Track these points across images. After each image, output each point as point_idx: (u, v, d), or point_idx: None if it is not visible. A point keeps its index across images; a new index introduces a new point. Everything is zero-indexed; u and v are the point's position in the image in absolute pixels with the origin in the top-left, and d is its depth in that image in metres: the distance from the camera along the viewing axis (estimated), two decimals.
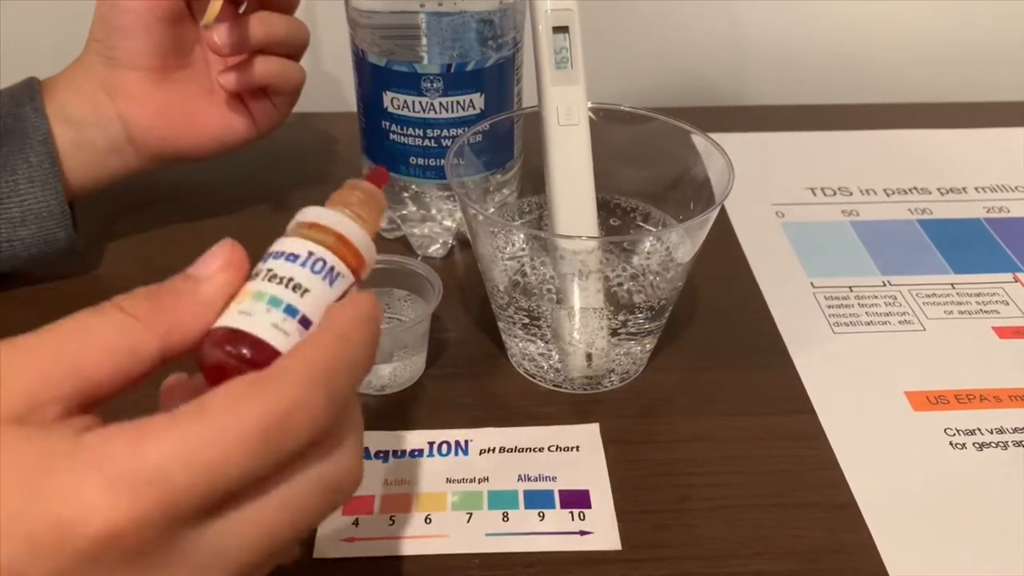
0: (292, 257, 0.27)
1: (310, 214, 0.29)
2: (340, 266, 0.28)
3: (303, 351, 0.26)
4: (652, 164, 0.48)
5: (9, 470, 0.24)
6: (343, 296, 0.28)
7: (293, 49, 0.52)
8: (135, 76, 0.50)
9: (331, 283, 0.27)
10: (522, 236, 0.47)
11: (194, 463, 0.23)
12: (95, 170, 0.50)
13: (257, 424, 0.24)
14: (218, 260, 0.27)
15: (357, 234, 0.29)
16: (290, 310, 0.26)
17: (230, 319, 0.26)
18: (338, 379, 0.26)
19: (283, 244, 0.28)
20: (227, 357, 0.26)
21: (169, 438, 0.24)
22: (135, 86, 0.50)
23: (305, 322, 0.26)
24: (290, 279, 0.27)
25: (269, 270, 0.27)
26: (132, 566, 0.23)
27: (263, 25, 0.50)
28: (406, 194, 0.53)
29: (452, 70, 0.49)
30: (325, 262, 0.27)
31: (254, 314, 0.26)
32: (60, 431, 0.24)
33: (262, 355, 0.26)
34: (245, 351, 0.26)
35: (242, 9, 0.51)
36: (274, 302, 0.26)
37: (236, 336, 0.26)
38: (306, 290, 0.27)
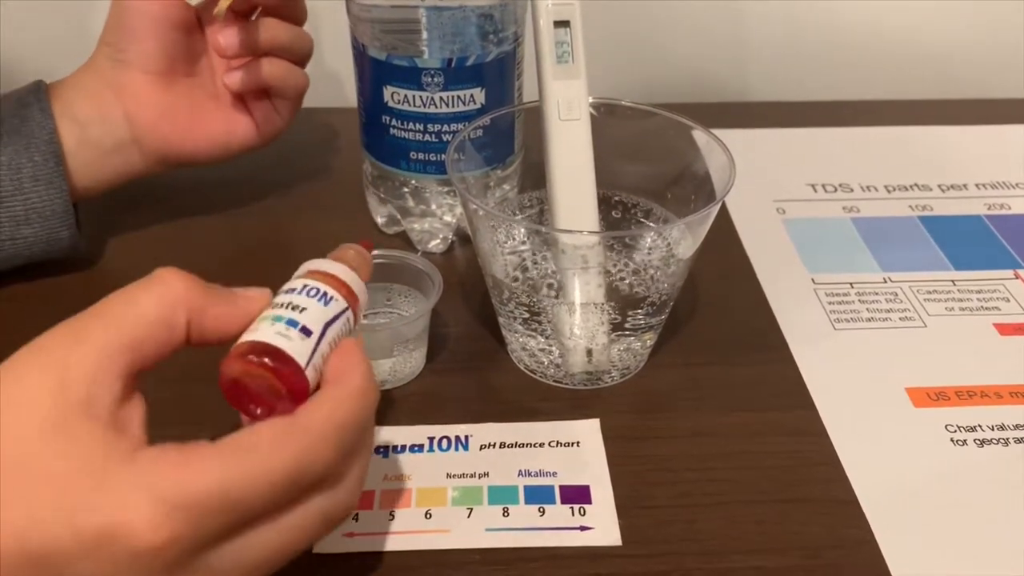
0: (290, 290, 0.33)
1: (309, 264, 0.35)
2: (332, 292, 0.33)
3: (327, 409, 0.30)
4: (653, 160, 0.48)
5: (74, 460, 0.27)
6: (339, 317, 0.33)
7: (296, 57, 0.53)
8: (143, 78, 0.50)
9: (325, 304, 0.33)
10: (523, 231, 0.47)
11: (229, 499, 0.28)
12: (99, 170, 0.50)
13: (284, 470, 0.29)
14: (254, 292, 0.33)
15: (348, 274, 0.34)
16: (291, 322, 0.32)
17: (245, 336, 0.32)
18: (350, 433, 0.31)
19: (285, 286, 0.34)
20: (246, 362, 0.31)
21: (212, 472, 0.28)
22: (142, 87, 0.50)
23: (305, 331, 0.32)
24: (289, 303, 0.32)
25: (274, 303, 0.33)
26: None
27: (267, 31, 0.51)
28: (406, 189, 0.53)
29: (453, 65, 0.49)
30: (318, 289, 0.33)
31: (260, 330, 0.32)
32: (121, 440, 0.28)
33: (271, 354, 0.31)
34: (261, 354, 0.31)
35: (255, 16, 0.51)
36: (277, 319, 0.32)
37: (254, 345, 0.31)
38: (303, 309, 0.32)
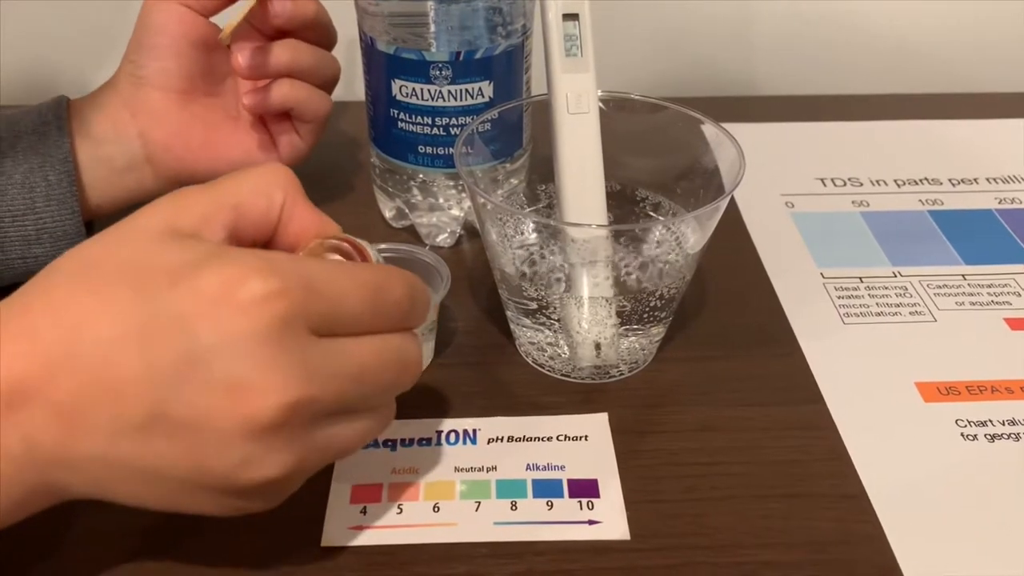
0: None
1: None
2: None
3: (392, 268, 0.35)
4: (662, 153, 0.48)
5: (188, 254, 0.30)
6: None
7: (320, 80, 0.52)
8: (159, 95, 0.50)
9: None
10: (531, 224, 0.47)
11: (328, 285, 0.31)
12: (112, 188, 0.50)
13: (368, 280, 0.32)
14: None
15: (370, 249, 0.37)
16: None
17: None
18: (414, 280, 0.34)
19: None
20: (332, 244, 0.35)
21: (313, 262, 0.32)
22: (158, 105, 0.50)
23: None
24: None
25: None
26: (272, 339, 0.29)
27: (289, 52, 0.50)
28: (413, 183, 0.53)
29: (461, 58, 0.48)
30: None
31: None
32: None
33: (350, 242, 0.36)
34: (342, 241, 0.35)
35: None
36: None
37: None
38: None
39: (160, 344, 0.29)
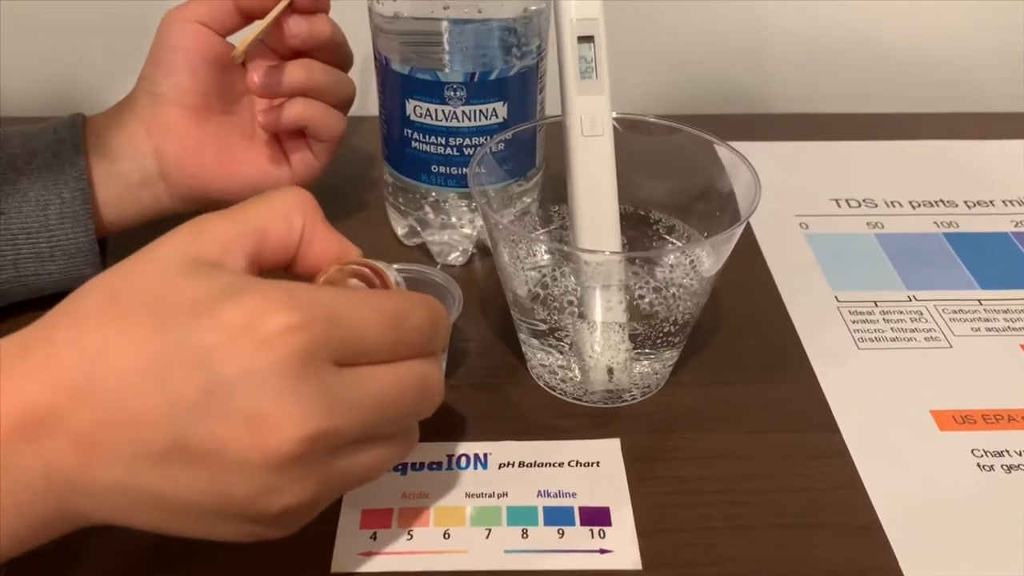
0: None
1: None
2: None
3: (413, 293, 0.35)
4: (677, 175, 0.48)
5: (211, 285, 0.30)
6: None
7: (335, 100, 0.52)
8: (174, 112, 0.50)
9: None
10: (544, 246, 0.47)
11: (347, 314, 0.31)
12: (126, 204, 0.50)
13: (389, 308, 0.32)
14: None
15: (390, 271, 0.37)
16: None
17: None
18: (435, 305, 0.34)
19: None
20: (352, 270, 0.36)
21: (331, 291, 0.32)
22: (173, 121, 0.50)
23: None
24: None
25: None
26: (293, 371, 0.29)
27: (304, 71, 0.50)
28: (426, 202, 0.53)
29: (476, 79, 0.48)
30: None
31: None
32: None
33: (370, 267, 0.36)
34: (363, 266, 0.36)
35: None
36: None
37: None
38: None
39: (181, 376, 0.29)
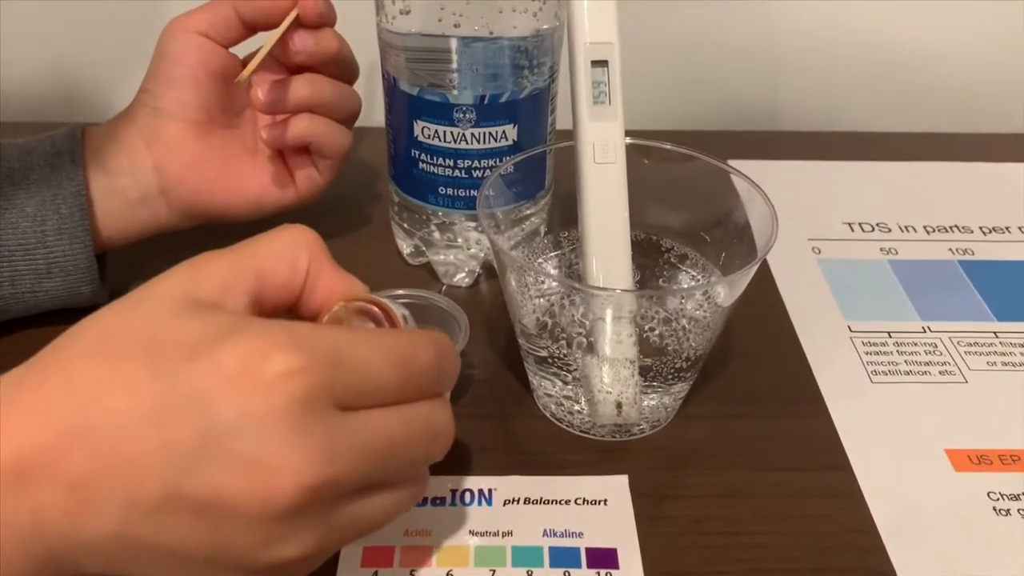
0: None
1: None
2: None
3: (419, 332, 0.34)
4: (690, 204, 0.47)
5: (209, 326, 0.29)
6: None
7: (340, 115, 0.51)
8: (176, 126, 0.49)
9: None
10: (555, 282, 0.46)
11: (353, 354, 0.30)
12: (124, 221, 0.49)
13: (395, 349, 0.31)
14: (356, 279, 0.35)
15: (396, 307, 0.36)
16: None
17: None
18: (442, 342, 0.33)
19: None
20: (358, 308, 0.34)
21: (334, 331, 0.31)
22: (174, 136, 0.49)
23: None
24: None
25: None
26: (295, 417, 0.28)
27: (309, 86, 0.49)
28: (433, 222, 0.52)
29: (486, 101, 0.47)
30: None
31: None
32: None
33: (378, 304, 0.35)
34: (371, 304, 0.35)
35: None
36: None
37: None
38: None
39: (177, 421, 0.28)
